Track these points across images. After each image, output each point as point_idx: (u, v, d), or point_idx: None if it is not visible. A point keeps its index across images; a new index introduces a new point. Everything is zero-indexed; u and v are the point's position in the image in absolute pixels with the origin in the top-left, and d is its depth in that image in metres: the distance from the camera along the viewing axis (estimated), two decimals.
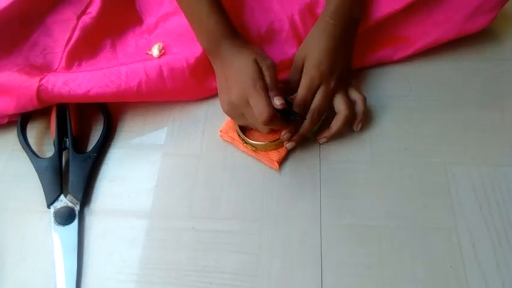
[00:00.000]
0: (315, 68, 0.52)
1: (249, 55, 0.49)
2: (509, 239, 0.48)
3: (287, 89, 0.54)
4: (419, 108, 0.59)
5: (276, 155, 0.55)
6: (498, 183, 0.52)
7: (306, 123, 0.52)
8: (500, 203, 0.51)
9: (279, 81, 0.51)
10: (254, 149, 0.55)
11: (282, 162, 0.55)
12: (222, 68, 0.53)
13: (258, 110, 0.47)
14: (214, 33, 0.51)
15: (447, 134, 0.56)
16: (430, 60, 0.63)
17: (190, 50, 0.58)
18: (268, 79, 0.49)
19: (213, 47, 0.53)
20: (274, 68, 0.50)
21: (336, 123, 0.54)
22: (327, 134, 0.55)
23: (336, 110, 0.54)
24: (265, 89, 0.48)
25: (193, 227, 0.51)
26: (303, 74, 0.53)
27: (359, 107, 0.54)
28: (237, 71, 0.50)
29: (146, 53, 0.62)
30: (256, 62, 0.49)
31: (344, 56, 0.55)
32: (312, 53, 0.53)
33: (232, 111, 0.52)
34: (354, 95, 0.54)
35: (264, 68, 0.49)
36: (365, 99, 0.54)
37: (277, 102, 0.47)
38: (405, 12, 0.59)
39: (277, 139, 0.54)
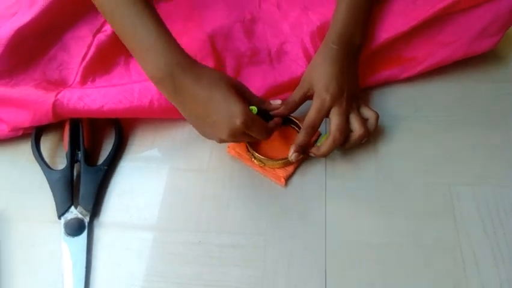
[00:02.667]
0: (324, 91, 0.53)
1: (224, 83, 0.48)
2: None
3: (287, 108, 0.56)
4: (425, 128, 0.60)
5: (283, 172, 0.55)
6: (502, 203, 0.52)
7: (329, 144, 0.53)
8: (504, 223, 0.51)
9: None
10: (262, 164, 0.56)
11: (288, 179, 0.56)
12: (190, 102, 0.48)
13: (261, 136, 0.51)
14: (165, 60, 0.47)
15: (452, 154, 0.57)
16: (435, 81, 0.64)
17: None
18: (246, 91, 0.52)
19: (168, 79, 0.47)
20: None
21: (351, 140, 0.54)
22: (347, 145, 0.55)
23: (352, 128, 0.54)
24: (258, 117, 0.50)
25: (199, 241, 0.52)
26: (314, 98, 0.54)
27: (371, 123, 0.55)
28: (218, 105, 0.47)
29: None
30: (233, 87, 0.49)
31: (350, 77, 0.57)
32: (318, 77, 0.54)
33: (224, 142, 0.52)
34: (367, 112, 0.55)
35: (236, 82, 0.51)
36: (377, 117, 0.55)
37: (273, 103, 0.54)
38: (411, 34, 0.60)
39: (286, 158, 0.55)
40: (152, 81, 0.49)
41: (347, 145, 0.55)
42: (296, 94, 0.56)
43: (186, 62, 0.48)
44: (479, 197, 0.53)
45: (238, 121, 0.47)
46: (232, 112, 0.47)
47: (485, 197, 0.53)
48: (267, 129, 0.51)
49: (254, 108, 0.51)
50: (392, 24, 0.59)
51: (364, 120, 0.55)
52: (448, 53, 0.62)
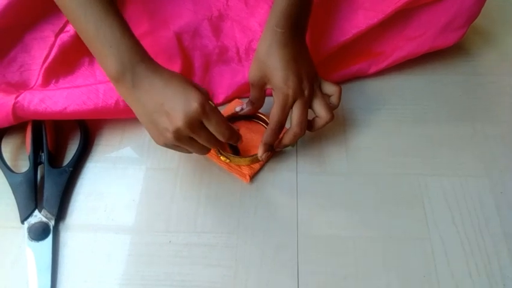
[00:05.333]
0: (285, 86, 0.50)
1: (184, 80, 0.47)
2: (480, 248, 0.49)
3: (252, 109, 0.55)
4: (393, 121, 0.60)
5: (248, 170, 0.55)
6: (469, 193, 0.53)
7: (289, 137, 0.52)
8: (471, 212, 0.52)
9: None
10: (228, 161, 0.55)
11: (253, 177, 0.55)
12: (148, 96, 0.47)
13: (220, 129, 0.47)
14: (132, 60, 0.46)
15: (420, 146, 0.57)
16: (404, 75, 0.65)
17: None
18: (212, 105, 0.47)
19: (128, 76, 0.46)
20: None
21: (317, 126, 0.53)
22: (313, 130, 0.54)
23: (317, 114, 0.53)
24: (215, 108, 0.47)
25: (170, 241, 0.51)
26: (275, 94, 0.51)
27: (335, 99, 0.53)
28: (176, 93, 0.45)
29: None
30: (192, 83, 0.47)
31: (303, 59, 0.52)
32: (271, 69, 0.51)
33: (179, 139, 0.47)
34: (330, 88, 0.53)
35: (203, 92, 0.48)
36: (340, 91, 0.53)
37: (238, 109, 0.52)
38: (380, 28, 0.61)
39: (253, 155, 0.54)
40: (111, 79, 0.47)
41: (313, 130, 0.54)
42: (254, 93, 0.55)
43: (149, 61, 0.48)
44: (447, 188, 0.54)
45: (195, 104, 0.44)
46: (189, 96, 0.45)
47: (453, 188, 0.54)
48: (227, 124, 0.47)
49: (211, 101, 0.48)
50: (360, 19, 0.59)
51: (329, 105, 0.52)
52: (414, 47, 0.63)
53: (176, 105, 0.45)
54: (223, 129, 0.47)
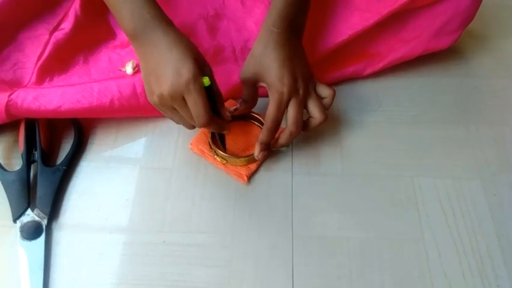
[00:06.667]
0: (280, 84, 0.50)
1: (188, 51, 0.47)
2: (473, 249, 0.49)
3: (246, 107, 0.55)
4: (388, 122, 0.60)
5: (245, 170, 0.55)
6: (463, 195, 0.53)
7: (286, 137, 0.52)
8: (465, 214, 0.52)
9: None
10: (225, 162, 0.55)
11: (251, 177, 0.55)
12: (151, 53, 0.48)
13: (196, 111, 0.47)
14: (145, 16, 0.47)
15: (414, 148, 0.58)
16: (398, 77, 0.65)
17: None
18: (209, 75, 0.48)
19: (140, 31, 0.48)
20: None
21: (311, 126, 0.53)
22: (307, 130, 0.54)
23: (311, 115, 0.53)
24: (204, 90, 0.47)
25: (164, 241, 0.51)
26: (270, 93, 0.51)
27: (328, 101, 0.53)
28: (173, 61, 0.46)
29: (120, 70, 0.62)
30: (196, 60, 0.47)
31: (299, 59, 0.53)
32: (266, 68, 0.51)
33: (162, 105, 0.49)
34: (324, 90, 0.53)
35: (206, 71, 0.48)
36: (334, 94, 0.53)
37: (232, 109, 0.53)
38: (376, 30, 0.61)
39: (249, 155, 0.54)
40: (126, 34, 0.50)
41: (307, 130, 0.54)
42: (246, 91, 0.55)
43: (161, 19, 0.48)
44: (441, 189, 0.54)
45: (183, 78, 0.45)
46: (182, 68, 0.45)
47: (446, 189, 0.54)
48: (206, 110, 0.47)
49: (206, 79, 0.47)
50: (356, 20, 0.60)
51: (323, 106, 0.53)
52: (409, 49, 0.63)
53: (167, 73, 0.46)
54: (200, 112, 0.47)
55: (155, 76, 0.47)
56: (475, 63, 0.67)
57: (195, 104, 0.47)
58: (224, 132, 0.53)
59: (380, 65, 0.64)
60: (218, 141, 0.56)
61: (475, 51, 0.68)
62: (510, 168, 0.56)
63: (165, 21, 0.49)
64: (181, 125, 0.53)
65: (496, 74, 0.66)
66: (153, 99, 0.49)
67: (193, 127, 0.52)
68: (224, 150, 0.56)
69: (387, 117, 0.61)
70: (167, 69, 0.46)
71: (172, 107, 0.49)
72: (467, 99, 0.63)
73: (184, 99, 0.47)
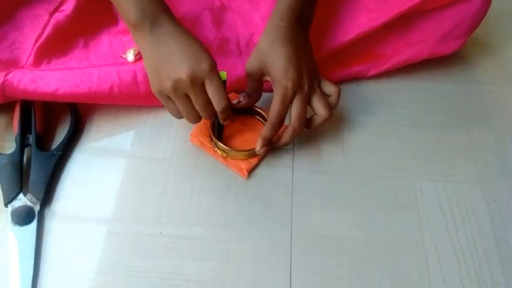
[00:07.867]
0: (284, 79, 0.50)
1: (200, 42, 0.48)
2: (472, 254, 0.49)
3: (249, 101, 0.54)
4: (390, 123, 0.60)
5: (245, 164, 0.54)
6: (463, 200, 0.53)
7: (289, 134, 0.52)
8: (464, 218, 0.52)
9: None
10: (225, 155, 0.54)
11: (251, 171, 0.54)
12: (165, 42, 0.48)
13: (218, 96, 0.48)
14: (151, 5, 0.48)
15: (416, 150, 0.57)
16: (402, 79, 0.65)
17: None
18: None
19: (148, 21, 0.47)
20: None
21: (315, 123, 0.53)
22: (311, 128, 0.54)
23: (315, 111, 0.52)
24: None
25: (160, 232, 0.50)
26: (274, 88, 0.51)
27: (333, 99, 0.53)
28: (193, 49, 0.47)
29: (121, 56, 0.60)
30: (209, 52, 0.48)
31: (305, 55, 0.53)
32: (272, 62, 0.50)
33: (175, 91, 0.48)
34: (329, 88, 0.53)
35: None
36: (339, 91, 0.53)
37: (235, 102, 0.51)
38: (383, 31, 0.60)
39: (251, 149, 0.53)
40: (128, 24, 0.49)
41: (310, 128, 0.53)
42: (251, 85, 0.54)
43: (171, 16, 0.49)
44: (441, 193, 0.54)
45: (205, 64, 0.46)
46: (202, 56, 0.47)
47: (446, 193, 0.54)
48: (226, 96, 0.48)
49: (224, 74, 0.49)
50: (363, 19, 0.59)
51: (328, 103, 0.52)
52: (414, 52, 0.63)
53: (186, 59, 0.46)
54: (221, 97, 0.48)
55: (169, 63, 0.47)
56: (478, 70, 0.67)
57: (217, 89, 0.47)
58: (227, 123, 0.52)
59: (384, 67, 0.63)
60: (216, 132, 0.55)
61: (479, 58, 0.69)
62: (510, 174, 0.56)
63: (173, 17, 0.50)
64: (180, 119, 0.52)
65: (498, 82, 0.66)
66: (164, 85, 0.48)
67: (197, 120, 0.51)
68: (220, 139, 0.55)
69: (389, 119, 0.60)
70: (185, 56, 0.46)
71: (185, 95, 0.48)
72: (470, 105, 0.63)
73: (202, 85, 0.47)
